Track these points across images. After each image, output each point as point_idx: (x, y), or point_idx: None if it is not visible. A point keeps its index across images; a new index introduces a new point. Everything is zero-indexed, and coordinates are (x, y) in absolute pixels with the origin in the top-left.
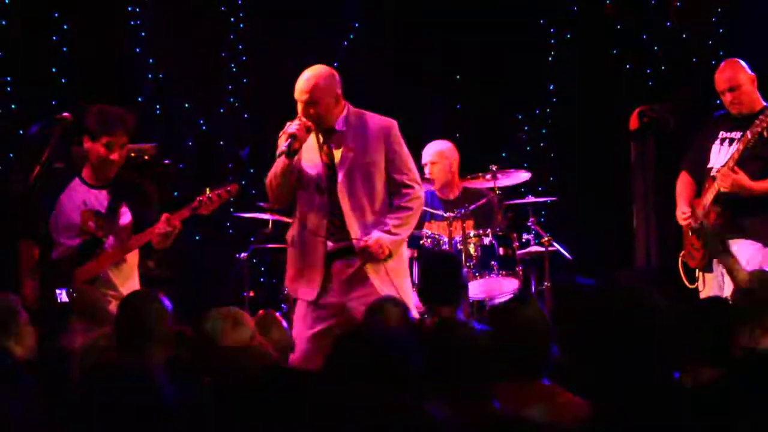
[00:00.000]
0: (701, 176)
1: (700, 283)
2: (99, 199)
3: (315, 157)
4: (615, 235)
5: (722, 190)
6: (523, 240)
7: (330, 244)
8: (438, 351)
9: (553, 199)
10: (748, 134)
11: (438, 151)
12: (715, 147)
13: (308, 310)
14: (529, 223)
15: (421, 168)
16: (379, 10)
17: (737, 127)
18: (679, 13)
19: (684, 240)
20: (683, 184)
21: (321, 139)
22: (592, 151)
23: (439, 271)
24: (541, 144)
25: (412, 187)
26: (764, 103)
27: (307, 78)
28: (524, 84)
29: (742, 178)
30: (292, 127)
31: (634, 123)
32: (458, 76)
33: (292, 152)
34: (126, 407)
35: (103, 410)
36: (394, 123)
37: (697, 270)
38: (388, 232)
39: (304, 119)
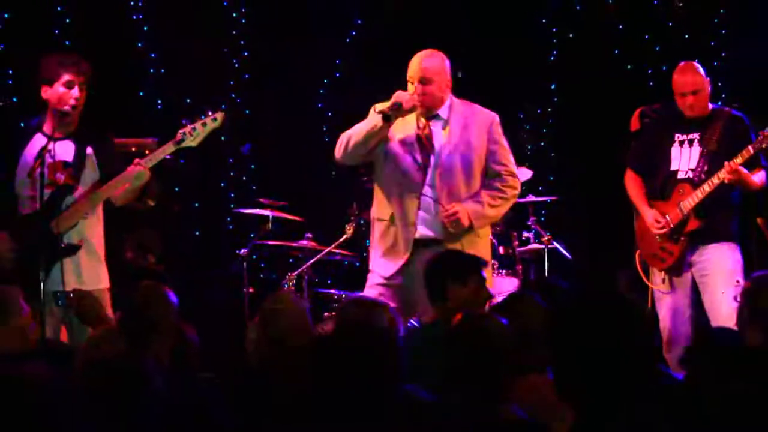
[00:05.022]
0: (657, 177)
1: (666, 284)
2: (64, 148)
3: (412, 141)
4: (615, 235)
5: (726, 181)
6: (523, 238)
7: (420, 231)
8: (467, 346)
9: (554, 198)
10: (750, 149)
11: None
12: (675, 150)
13: (376, 284)
14: (529, 222)
15: None
16: (380, 7)
17: (692, 129)
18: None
19: (643, 240)
20: (636, 184)
21: (422, 124)
22: (593, 151)
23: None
24: (542, 143)
25: (510, 178)
26: (712, 106)
27: (423, 58)
28: (526, 83)
29: (747, 174)
30: (403, 95)
31: (635, 124)
32: (459, 74)
33: (389, 117)
34: (121, 402)
35: (97, 404)
36: (497, 116)
37: (663, 272)
38: (478, 203)
39: (415, 95)
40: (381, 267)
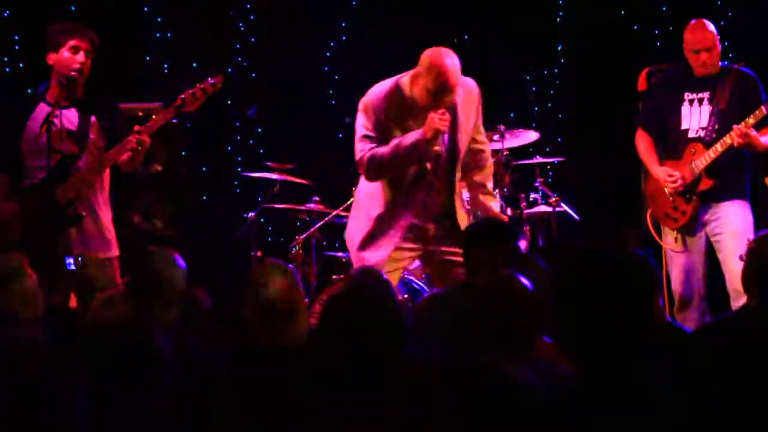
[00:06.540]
0: (667, 136)
1: (678, 244)
2: (69, 117)
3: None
4: (623, 195)
5: (735, 145)
6: (531, 200)
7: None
8: (492, 304)
9: (561, 159)
10: (764, 109)
11: None
12: (685, 109)
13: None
14: (536, 184)
15: None
16: None
17: (702, 87)
18: None
19: (655, 200)
20: (647, 143)
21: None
22: (600, 112)
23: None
24: (549, 104)
25: (486, 151)
26: (721, 64)
27: (449, 78)
28: (532, 44)
29: (756, 137)
30: (437, 124)
31: (642, 84)
32: (465, 36)
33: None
34: (126, 366)
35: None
36: (476, 83)
37: (675, 231)
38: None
39: (446, 118)
40: (372, 254)
